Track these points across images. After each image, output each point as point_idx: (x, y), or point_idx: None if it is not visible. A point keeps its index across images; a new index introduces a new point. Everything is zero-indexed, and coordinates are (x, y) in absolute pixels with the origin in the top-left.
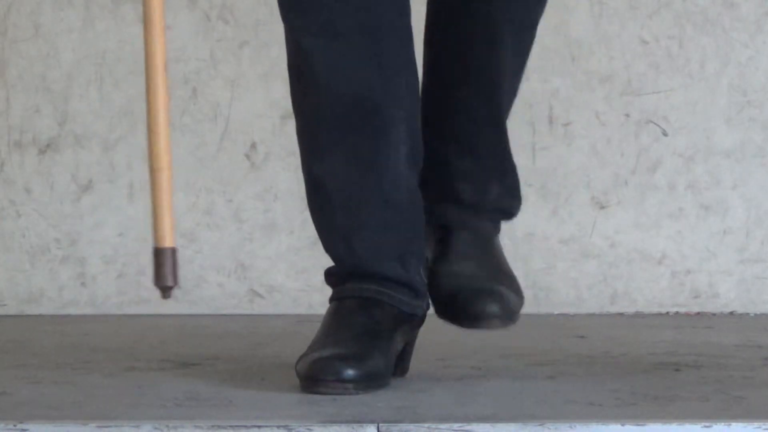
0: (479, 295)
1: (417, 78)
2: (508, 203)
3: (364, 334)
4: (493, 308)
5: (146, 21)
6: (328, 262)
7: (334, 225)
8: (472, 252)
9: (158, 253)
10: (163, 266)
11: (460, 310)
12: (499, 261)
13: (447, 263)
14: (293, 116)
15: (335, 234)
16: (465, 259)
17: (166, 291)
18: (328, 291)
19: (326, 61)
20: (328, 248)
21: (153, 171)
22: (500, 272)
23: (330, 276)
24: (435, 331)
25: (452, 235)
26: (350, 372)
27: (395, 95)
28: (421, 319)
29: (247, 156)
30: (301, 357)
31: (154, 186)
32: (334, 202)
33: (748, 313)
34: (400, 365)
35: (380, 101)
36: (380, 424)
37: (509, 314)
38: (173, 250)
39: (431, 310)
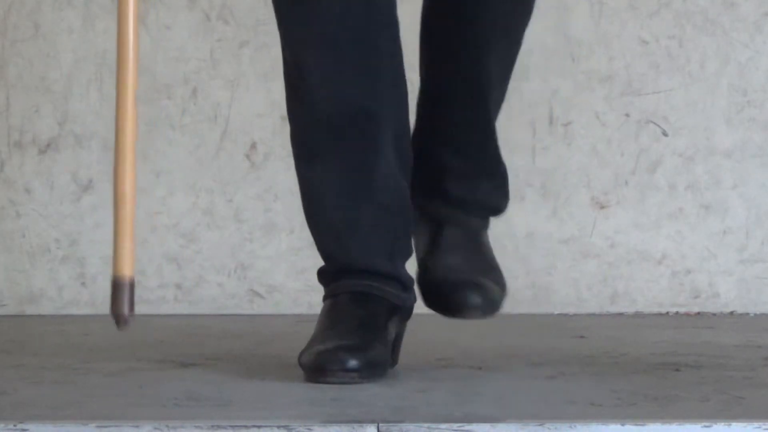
0: (463, 286)
1: (405, 88)
2: (496, 200)
3: (362, 326)
4: (475, 299)
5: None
6: None
7: (327, 225)
8: (460, 246)
9: (116, 283)
10: (120, 296)
11: (445, 299)
12: (485, 255)
13: (436, 256)
14: None
15: (328, 234)
16: (453, 253)
17: (120, 320)
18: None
19: (320, 71)
20: (321, 248)
21: (117, 200)
22: (486, 265)
23: (323, 275)
24: (435, 331)
25: (442, 230)
26: (354, 362)
27: (384, 103)
28: (409, 312)
29: (247, 156)
30: (304, 350)
31: (117, 216)
32: (326, 204)
33: (748, 313)
34: (392, 357)
35: (370, 109)
36: (380, 424)
37: (491, 304)
38: (131, 281)
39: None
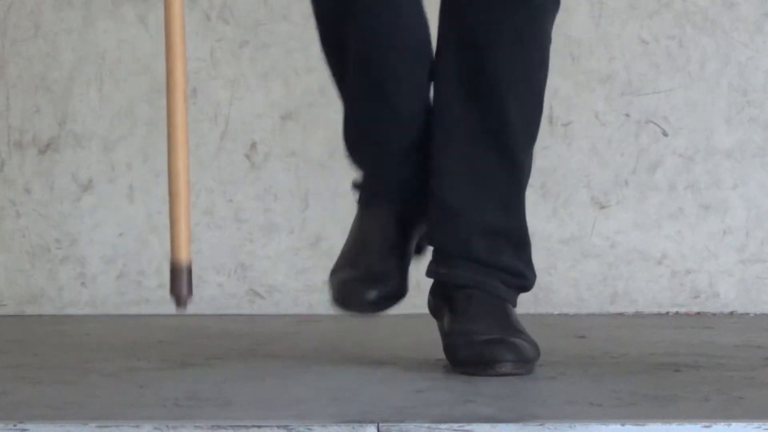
0: (495, 342)
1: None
2: (521, 269)
3: (388, 252)
4: (508, 355)
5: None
6: (328, 263)
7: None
8: (488, 309)
9: (174, 267)
10: (179, 278)
11: (473, 359)
12: (513, 318)
13: (465, 318)
14: (293, 116)
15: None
16: (482, 315)
17: (180, 301)
18: (328, 291)
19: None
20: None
21: (172, 192)
22: (516, 327)
23: (356, 186)
24: (435, 331)
25: (470, 294)
26: (374, 293)
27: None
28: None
29: (247, 156)
30: (333, 270)
31: (174, 205)
32: (368, 137)
33: (748, 313)
34: (418, 252)
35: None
36: (380, 424)
37: (525, 360)
38: (188, 267)
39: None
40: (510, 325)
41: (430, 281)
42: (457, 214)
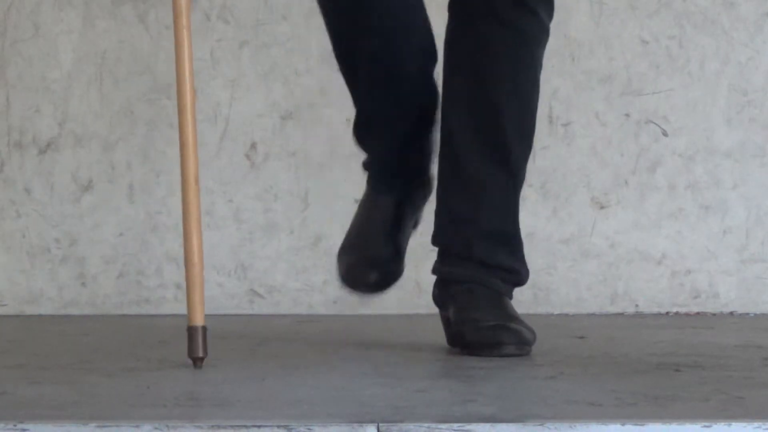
0: (498, 328)
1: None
2: (516, 268)
3: (387, 239)
4: (511, 338)
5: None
6: (328, 263)
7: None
8: (489, 301)
9: (191, 330)
10: (195, 340)
11: (482, 340)
12: (511, 309)
13: (471, 308)
14: (293, 116)
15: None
16: (485, 305)
17: (197, 363)
18: (328, 291)
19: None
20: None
21: (187, 258)
22: (514, 315)
23: (366, 165)
24: (435, 332)
25: (473, 289)
26: (374, 275)
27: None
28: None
29: (247, 156)
30: (341, 249)
31: (189, 272)
32: (375, 121)
33: (748, 313)
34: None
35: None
36: (380, 424)
37: (525, 342)
38: (204, 327)
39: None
40: (509, 314)
41: (429, 282)
42: (461, 220)
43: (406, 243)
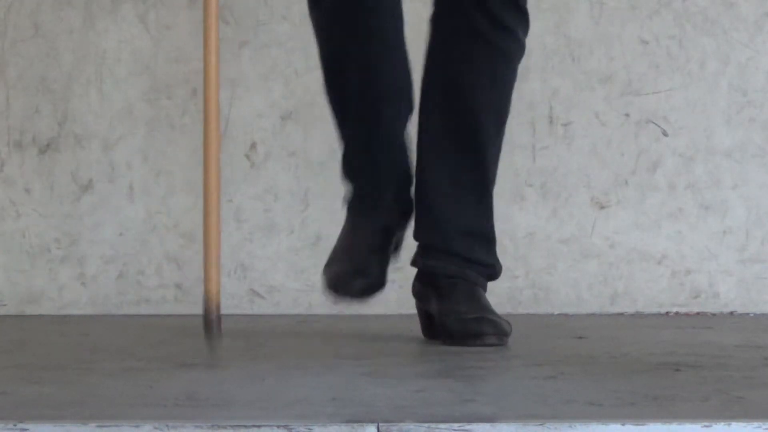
0: (479, 319)
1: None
2: (491, 262)
3: (371, 253)
4: (491, 328)
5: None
6: None
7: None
8: (468, 295)
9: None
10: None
11: (464, 332)
12: (487, 302)
13: (451, 301)
14: (293, 116)
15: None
16: (464, 299)
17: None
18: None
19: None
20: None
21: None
22: (490, 308)
23: (347, 201)
24: None
25: (452, 283)
26: (359, 283)
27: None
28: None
29: (247, 156)
30: (327, 264)
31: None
32: (357, 153)
33: (748, 313)
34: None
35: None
36: (380, 424)
37: (504, 332)
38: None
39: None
40: (486, 307)
41: None
42: (441, 218)
43: (388, 263)
